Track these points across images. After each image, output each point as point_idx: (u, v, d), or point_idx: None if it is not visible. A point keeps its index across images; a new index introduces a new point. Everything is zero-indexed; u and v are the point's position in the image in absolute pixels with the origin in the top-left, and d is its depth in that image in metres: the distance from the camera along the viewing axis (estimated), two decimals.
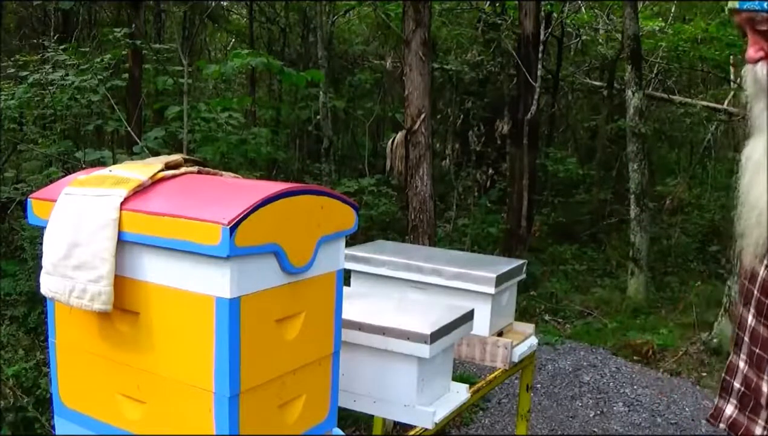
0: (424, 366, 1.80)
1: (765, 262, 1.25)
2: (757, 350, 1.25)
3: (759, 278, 1.26)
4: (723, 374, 1.37)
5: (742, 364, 1.29)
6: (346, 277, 1.65)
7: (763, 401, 1.23)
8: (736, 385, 1.30)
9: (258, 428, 1.34)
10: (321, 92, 7.76)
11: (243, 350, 1.27)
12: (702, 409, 4.54)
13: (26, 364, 3.53)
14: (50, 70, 4.70)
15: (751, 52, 1.23)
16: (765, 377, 1.23)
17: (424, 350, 1.75)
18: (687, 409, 4.57)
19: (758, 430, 1.25)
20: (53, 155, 5.17)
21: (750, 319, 1.28)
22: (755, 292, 1.27)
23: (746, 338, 1.29)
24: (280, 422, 1.41)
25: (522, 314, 5.89)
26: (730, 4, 1.24)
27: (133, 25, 5.53)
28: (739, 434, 1.28)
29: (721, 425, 1.33)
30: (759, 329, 1.25)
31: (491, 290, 2.20)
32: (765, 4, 1.18)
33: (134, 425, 1.37)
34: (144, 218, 1.29)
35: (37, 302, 3.96)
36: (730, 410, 1.31)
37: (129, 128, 4.88)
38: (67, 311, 1.41)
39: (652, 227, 7.23)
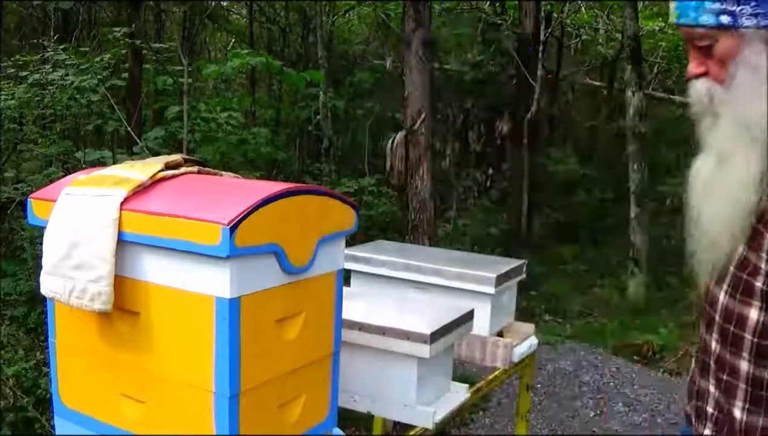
0: (424, 366, 1.80)
1: (724, 287, 1.24)
2: (725, 377, 1.25)
3: (720, 304, 1.25)
4: (695, 400, 1.36)
5: (712, 389, 1.29)
6: (346, 277, 1.65)
7: (737, 426, 1.23)
8: (710, 410, 1.30)
9: (258, 428, 1.33)
10: (321, 92, 7.75)
11: (243, 350, 1.26)
12: None
13: (26, 364, 3.54)
14: (50, 70, 4.69)
15: (692, 67, 1.22)
16: (737, 403, 1.23)
17: (424, 350, 1.75)
18: None
19: None
20: (53, 155, 5.17)
21: (714, 345, 1.27)
22: (717, 318, 1.26)
23: (712, 364, 1.28)
24: (280, 422, 1.41)
25: (522, 314, 5.87)
26: (669, 18, 1.23)
27: (133, 25, 5.52)
28: None
29: None
30: (725, 356, 1.24)
31: (491, 290, 2.19)
32: (701, 19, 1.17)
33: (134, 425, 1.37)
34: (144, 218, 1.29)
35: (37, 302, 3.96)
36: (707, 433, 1.31)
37: (129, 128, 4.87)
38: (67, 311, 1.40)
39: (652, 227, 7.22)
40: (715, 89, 1.18)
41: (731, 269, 1.22)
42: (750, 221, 1.18)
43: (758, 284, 1.17)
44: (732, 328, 1.22)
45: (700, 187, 1.25)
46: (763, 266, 1.16)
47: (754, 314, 1.18)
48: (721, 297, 1.24)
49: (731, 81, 1.16)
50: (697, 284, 1.32)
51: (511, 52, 8.28)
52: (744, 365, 1.20)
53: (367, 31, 10.76)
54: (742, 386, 1.21)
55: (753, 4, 1.13)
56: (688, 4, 1.17)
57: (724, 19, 1.14)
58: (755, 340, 1.18)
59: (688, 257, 1.28)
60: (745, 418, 1.22)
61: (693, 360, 1.38)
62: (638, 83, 6.78)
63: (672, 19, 1.22)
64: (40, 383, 3.42)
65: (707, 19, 1.15)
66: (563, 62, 10.65)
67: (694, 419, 1.36)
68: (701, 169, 1.25)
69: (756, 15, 1.13)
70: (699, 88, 1.21)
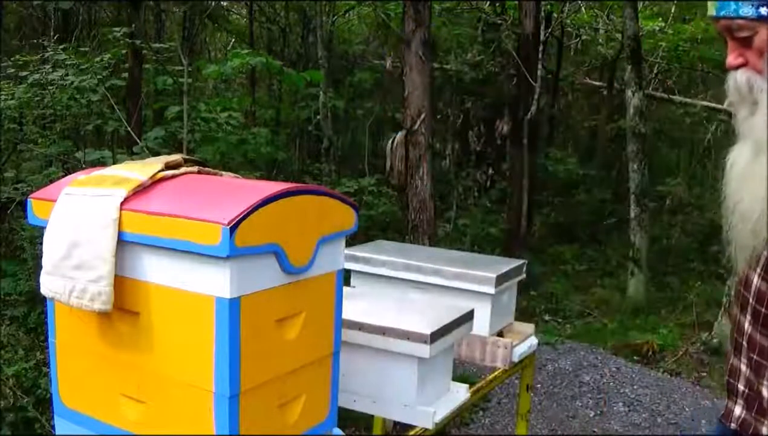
0: (424, 366, 1.80)
1: (758, 270, 1.28)
2: (755, 357, 1.28)
3: (753, 286, 1.29)
4: (727, 377, 1.40)
5: (743, 367, 1.32)
6: (346, 277, 1.65)
7: (765, 404, 1.26)
8: (741, 387, 1.34)
9: (258, 428, 1.34)
10: (321, 92, 7.75)
11: (243, 350, 1.26)
12: (702, 409, 4.54)
13: (26, 364, 3.54)
14: (50, 70, 4.69)
15: (731, 59, 1.25)
16: (765, 383, 1.26)
17: (424, 350, 1.75)
18: (687, 409, 4.57)
19: (765, 430, 1.28)
20: (53, 155, 5.17)
21: (747, 326, 1.31)
22: (750, 299, 1.29)
23: (744, 344, 1.31)
24: (280, 422, 1.41)
25: (522, 314, 5.87)
26: (708, 12, 1.26)
27: (133, 25, 5.52)
28: (749, 433, 1.31)
29: (732, 425, 1.37)
30: (755, 336, 1.29)
31: (491, 290, 2.20)
32: (741, 11, 1.20)
33: (134, 425, 1.37)
34: (144, 217, 1.29)
35: (37, 302, 3.97)
36: (738, 411, 1.35)
37: (129, 128, 4.88)
38: (67, 311, 1.40)
39: (652, 227, 7.22)
40: (755, 79, 1.22)
41: (765, 253, 1.26)
42: None
43: None
44: (764, 310, 1.26)
45: (736, 176, 1.28)
46: None
47: None
48: (755, 280, 1.28)
49: None
50: (735, 270, 1.36)
51: (511, 52, 8.28)
52: None
53: (367, 31, 10.76)
54: None
55: None
56: None
57: (764, 10, 1.18)
58: None
59: (725, 244, 1.32)
60: None
61: (728, 340, 1.43)
62: (638, 83, 6.78)
63: (711, 11, 1.25)
64: (40, 383, 3.42)
65: (747, 10, 1.19)
66: (563, 62, 10.64)
67: (726, 397, 1.40)
68: (737, 159, 1.28)
69: None
70: (738, 78, 1.25)
